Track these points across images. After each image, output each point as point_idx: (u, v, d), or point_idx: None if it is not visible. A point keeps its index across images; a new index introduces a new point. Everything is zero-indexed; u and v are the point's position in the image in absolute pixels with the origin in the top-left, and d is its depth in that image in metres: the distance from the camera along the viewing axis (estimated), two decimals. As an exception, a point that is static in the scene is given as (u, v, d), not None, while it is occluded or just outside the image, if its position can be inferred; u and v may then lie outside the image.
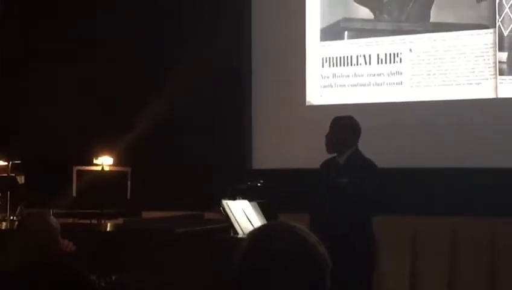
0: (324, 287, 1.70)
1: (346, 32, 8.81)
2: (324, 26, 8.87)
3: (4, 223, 7.87)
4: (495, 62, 8.05)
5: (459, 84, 8.22)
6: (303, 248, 1.70)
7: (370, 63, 8.63)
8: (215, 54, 8.97)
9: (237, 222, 6.06)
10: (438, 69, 8.31)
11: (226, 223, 6.07)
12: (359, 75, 8.67)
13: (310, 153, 8.36)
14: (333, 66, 8.80)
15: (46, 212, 4.80)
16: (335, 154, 5.62)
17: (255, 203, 6.54)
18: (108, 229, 7.09)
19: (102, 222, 8.09)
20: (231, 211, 6.09)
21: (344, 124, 5.68)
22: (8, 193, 8.25)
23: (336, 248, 5.05)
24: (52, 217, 3.99)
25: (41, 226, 3.76)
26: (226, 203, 6.12)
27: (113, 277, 6.62)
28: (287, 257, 1.67)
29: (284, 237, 1.71)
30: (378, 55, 8.59)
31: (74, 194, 8.44)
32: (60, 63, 9.70)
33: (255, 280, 1.67)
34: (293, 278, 1.65)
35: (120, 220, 7.84)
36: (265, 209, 6.58)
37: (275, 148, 8.97)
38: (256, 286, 1.66)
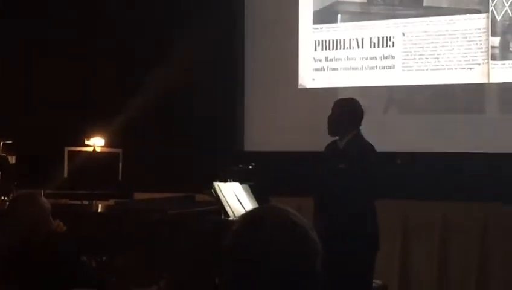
0: (315, 271, 1.70)
1: (339, 16, 8.79)
2: (317, 9, 8.85)
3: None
4: (487, 47, 8.06)
5: (451, 69, 8.22)
6: (294, 233, 1.70)
7: (363, 47, 8.61)
8: (207, 37, 8.94)
9: (228, 205, 6.06)
10: (430, 53, 8.30)
11: (217, 205, 6.06)
12: (351, 59, 8.66)
13: (302, 136, 8.40)
14: (326, 49, 8.79)
15: (36, 192, 4.78)
16: (337, 138, 5.56)
17: (246, 186, 6.55)
18: (99, 210, 7.09)
19: (94, 202, 8.10)
20: (222, 194, 6.09)
21: (346, 106, 5.61)
22: (-1, 172, 8.25)
23: (338, 231, 5.12)
24: (43, 198, 3.98)
25: (32, 206, 3.76)
26: (218, 185, 6.12)
27: (104, 258, 6.64)
28: (278, 241, 1.67)
29: (276, 222, 1.71)
30: (370, 38, 8.58)
31: (65, 174, 8.44)
32: (52, 44, 9.67)
33: (246, 265, 1.67)
34: (283, 263, 1.65)
35: (111, 201, 7.84)
36: (256, 192, 6.59)
37: (267, 131, 8.97)
38: (247, 270, 1.66)
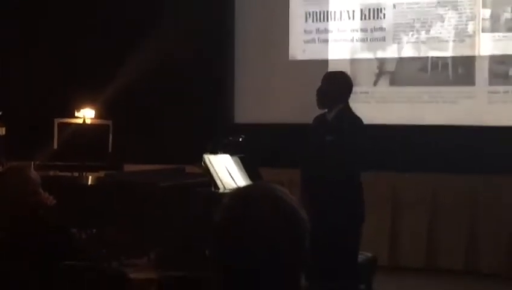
0: (303, 249, 1.71)
1: (330, -13, 8.76)
2: (308, -19, 8.81)
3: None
4: (478, 19, 8.04)
5: (442, 41, 8.22)
6: (283, 210, 1.71)
7: (353, 18, 8.59)
8: (198, 9, 8.90)
9: (218, 177, 6.06)
10: (421, 25, 8.29)
11: (207, 177, 6.06)
12: (342, 31, 8.64)
13: (293, 108, 8.40)
14: (316, 21, 8.76)
15: (26, 165, 4.78)
16: (325, 110, 5.56)
17: (236, 158, 6.54)
18: (89, 182, 7.08)
19: (84, 174, 8.09)
20: (212, 166, 6.09)
21: (335, 79, 5.60)
22: (-11, 144, 8.23)
23: (326, 203, 5.15)
24: (32, 170, 3.98)
25: (21, 179, 3.75)
26: (208, 157, 6.11)
27: (94, 230, 6.64)
28: (267, 218, 1.68)
29: (265, 200, 1.71)
30: (361, 10, 8.55)
31: (55, 146, 8.43)
32: (42, 15, 9.61)
33: (235, 241, 1.68)
34: (272, 241, 1.66)
35: (101, 173, 7.83)
36: (246, 164, 6.60)
37: (257, 103, 8.97)
38: (236, 246, 1.67)
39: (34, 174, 3.89)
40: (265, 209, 1.70)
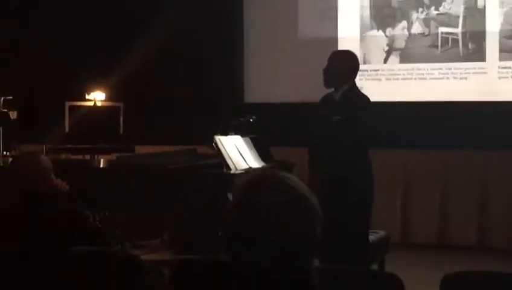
0: (315, 237, 1.72)
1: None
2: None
3: (-2, 159, 7.88)
4: (488, -6, 8.02)
5: (452, 17, 8.19)
6: (294, 199, 1.72)
7: (363, -5, 8.56)
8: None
9: (230, 158, 6.06)
10: (430, 1, 8.26)
11: (219, 158, 6.06)
12: (352, 8, 8.60)
13: (303, 87, 8.38)
14: (325, -1, 8.73)
15: (37, 152, 4.80)
16: (332, 89, 5.55)
17: (247, 138, 6.55)
18: (101, 165, 7.11)
19: (96, 157, 8.12)
20: (224, 147, 6.09)
21: (342, 58, 5.57)
22: (1, 128, 8.26)
23: (335, 183, 5.15)
24: (43, 156, 3.99)
25: (33, 165, 3.77)
26: (219, 138, 6.11)
27: (107, 213, 6.67)
28: (279, 208, 1.69)
29: (275, 189, 1.72)
30: (371, -13, 8.52)
31: (67, 129, 8.46)
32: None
33: (247, 230, 1.69)
34: (284, 229, 1.67)
35: (113, 156, 7.86)
36: (258, 144, 6.60)
37: (267, 82, 8.95)
38: (249, 236, 1.68)
39: (45, 159, 3.90)
40: (277, 196, 1.71)
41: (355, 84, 5.50)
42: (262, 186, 1.74)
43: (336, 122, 5.28)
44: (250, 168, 6.20)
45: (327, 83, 5.48)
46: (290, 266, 1.69)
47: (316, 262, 1.74)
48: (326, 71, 5.46)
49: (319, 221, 1.73)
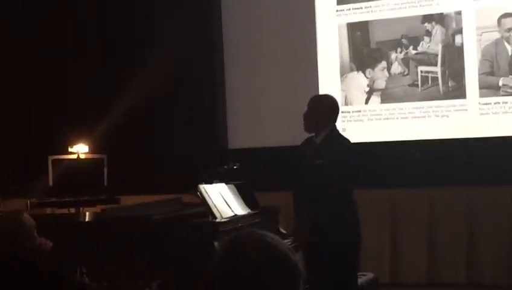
0: None
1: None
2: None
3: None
4: (465, 32, 8.09)
5: (431, 55, 8.26)
6: (275, 258, 1.71)
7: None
8: (187, 36, 8.92)
9: (215, 206, 6.04)
10: (408, 41, 8.34)
11: (204, 207, 6.04)
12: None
13: (286, 131, 8.39)
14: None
15: (20, 210, 4.75)
16: (313, 134, 5.56)
17: (232, 185, 6.53)
18: (87, 219, 7.06)
19: (81, 210, 8.07)
20: (208, 196, 6.07)
21: (320, 103, 5.60)
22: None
23: (320, 228, 5.13)
24: (26, 215, 3.96)
25: (14, 225, 3.73)
26: (203, 187, 6.09)
27: (94, 266, 6.61)
28: (260, 268, 1.68)
29: (256, 249, 1.71)
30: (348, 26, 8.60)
31: (51, 183, 8.41)
32: (31, 51, 9.61)
33: None
34: (266, 287, 1.66)
35: (98, 208, 7.81)
36: (242, 190, 6.59)
37: (250, 127, 8.97)
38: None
39: (27, 218, 3.87)
40: (258, 257, 1.70)
41: (335, 127, 5.51)
42: (244, 246, 1.73)
43: (318, 166, 5.28)
44: (236, 215, 6.18)
45: (307, 128, 5.50)
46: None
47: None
48: (306, 116, 5.48)
49: (301, 278, 1.72)
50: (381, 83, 8.49)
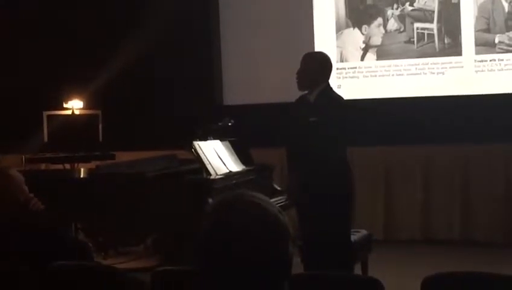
0: (287, 255, 1.72)
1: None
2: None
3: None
4: (462, -12, 8.04)
5: (427, 12, 8.21)
6: (264, 219, 1.72)
7: (337, -6, 8.57)
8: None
9: (209, 163, 6.04)
10: (405, -3, 8.29)
11: (199, 164, 6.04)
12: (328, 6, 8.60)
13: (281, 88, 8.37)
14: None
15: (6, 167, 4.71)
16: (306, 92, 5.53)
17: (226, 142, 6.53)
18: (81, 175, 7.07)
19: (76, 166, 8.07)
20: (203, 152, 6.07)
21: (313, 60, 5.55)
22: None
23: (313, 185, 5.14)
24: (13, 169, 3.95)
25: (5, 180, 3.73)
26: (198, 144, 6.08)
27: (89, 221, 6.63)
28: (249, 226, 1.69)
29: (245, 210, 1.72)
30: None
31: (45, 139, 8.40)
32: (30, 7, 9.54)
33: (218, 250, 1.69)
34: (256, 250, 1.67)
35: (93, 164, 7.81)
36: (237, 147, 6.59)
37: (245, 84, 8.94)
38: (219, 256, 1.68)
39: (15, 173, 3.85)
40: (246, 216, 1.71)
41: (329, 85, 5.48)
42: (232, 205, 1.74)
43: (311, 123, 5.27)
44: (231, 172, 6.19)
45: (300, 85, 5.47)
46: (262, 285, 1.69)
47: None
48: (299, 74, 5.45)
49: (290, 239, 1.73)
50: (377, 40, 8.45)
